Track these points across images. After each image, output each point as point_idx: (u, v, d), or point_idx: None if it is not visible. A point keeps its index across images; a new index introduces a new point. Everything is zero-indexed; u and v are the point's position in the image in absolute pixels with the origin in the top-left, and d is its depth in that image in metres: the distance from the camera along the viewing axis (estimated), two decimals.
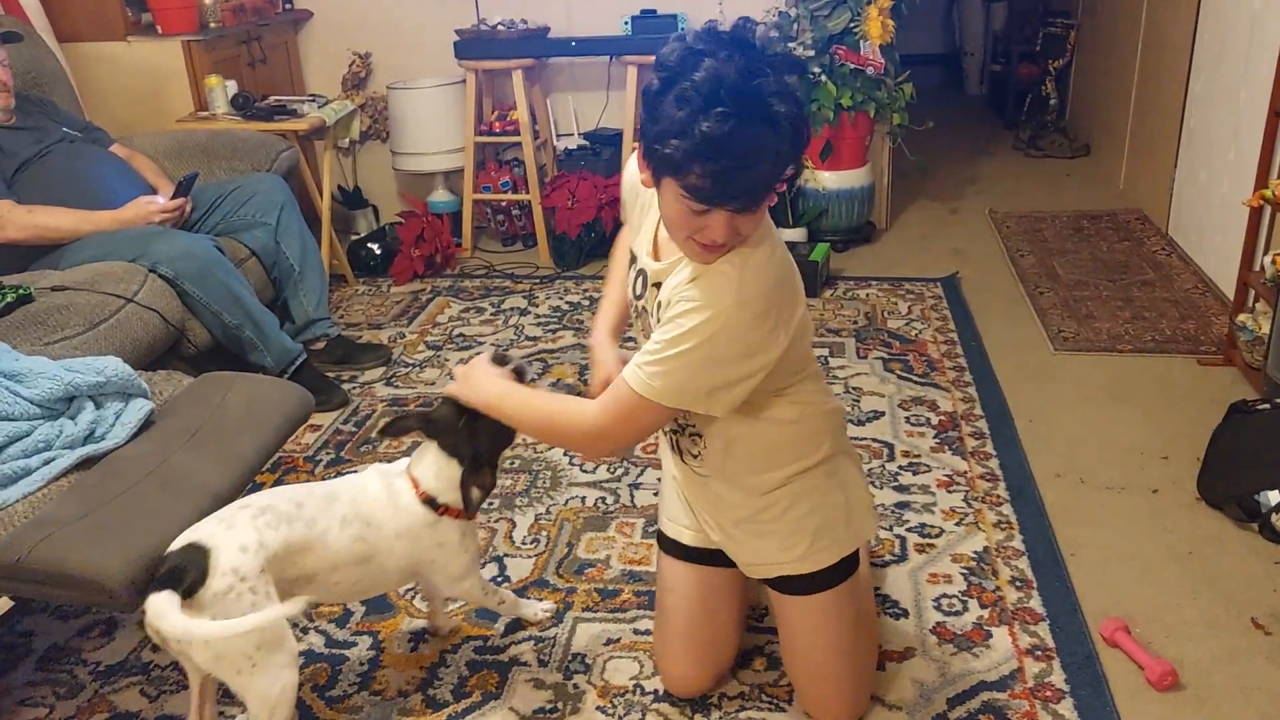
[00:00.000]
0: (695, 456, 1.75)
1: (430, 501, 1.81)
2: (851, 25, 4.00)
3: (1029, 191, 5.07)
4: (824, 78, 4.01)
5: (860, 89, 4.02)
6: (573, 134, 4.45)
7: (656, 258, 1.66)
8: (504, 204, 4.42)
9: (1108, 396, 2.99)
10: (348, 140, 4.55)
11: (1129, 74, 4.84)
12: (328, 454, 2.82)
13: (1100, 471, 2.59)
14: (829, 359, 3.29)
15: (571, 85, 4.47)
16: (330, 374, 3.20)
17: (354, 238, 4.38)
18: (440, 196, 4.49)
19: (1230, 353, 3.09)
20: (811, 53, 4.01)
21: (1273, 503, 2.28)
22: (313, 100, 3.97)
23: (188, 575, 1.53)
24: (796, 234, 4.17)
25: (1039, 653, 1.97)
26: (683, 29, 4.05)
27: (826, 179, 4.20)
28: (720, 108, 1.33)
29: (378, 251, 4.20)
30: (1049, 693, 1.87)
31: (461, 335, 3.58)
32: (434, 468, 1.81)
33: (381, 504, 1.80)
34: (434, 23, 4.34)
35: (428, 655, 2.04)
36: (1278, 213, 2.99)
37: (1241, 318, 3.01)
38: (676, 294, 1.54)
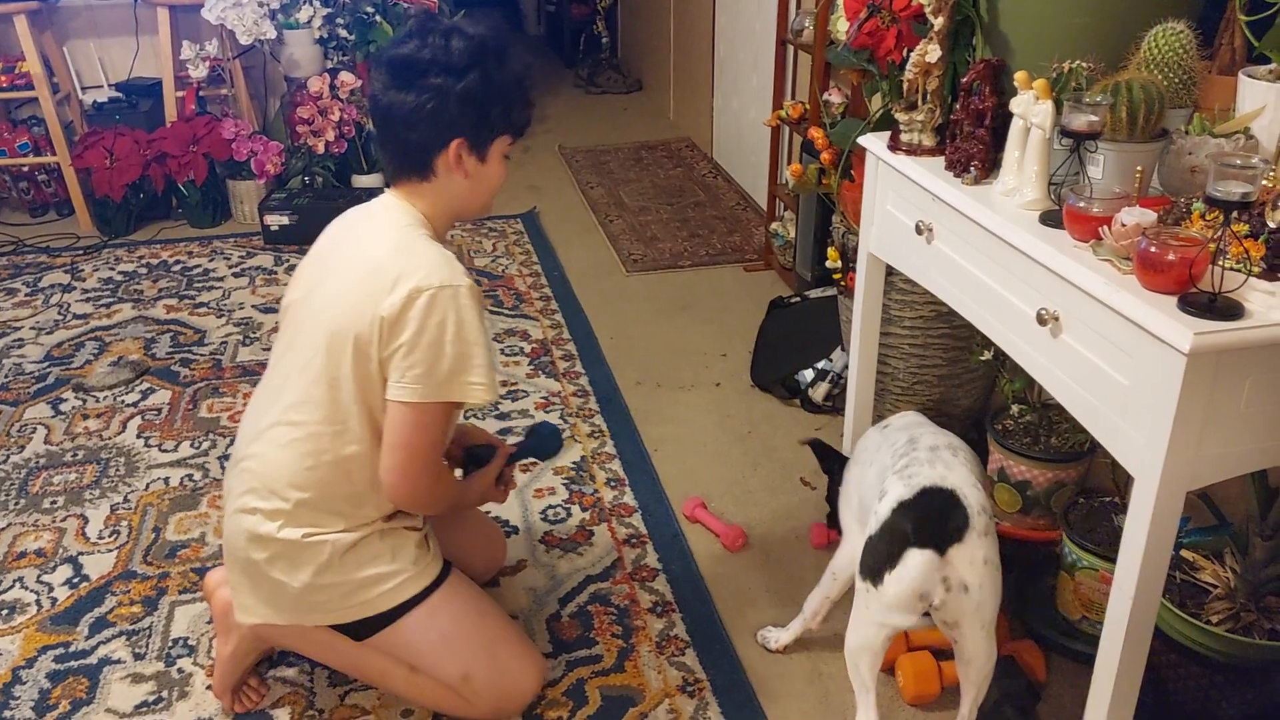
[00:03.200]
0: None
1: None
2: None
3: (592, 126, 5.36)
4: (379, 18, 3.92)
5: None
6: (101, 85, 3.98)
7: None
8: (26, 169, 3.86)
9: (676, 308, 3.29)
10: None
11: (666, 11, 5.25)
12: None
13: (673, 374, 2.86)
14: None
15: (92, 31, 3.98)
16: None
17: None
18: None
19: (769, 257, 3.52)
20: None
21: (809, 379, 2.67)
22: None
23: (951, 520, 1.46)
24: (372, 180, 4.09)
25: (634, 540, 2.16)
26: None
27: None
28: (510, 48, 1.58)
29: None
30: (645, 573, 2.07)
31: None
32: None
33: None
34: None
35: None
36: (793, 130, 3.42)
37: (774, 226, 3.44)
38: None
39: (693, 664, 1.84)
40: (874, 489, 1.62)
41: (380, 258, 1.55)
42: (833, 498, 1.93)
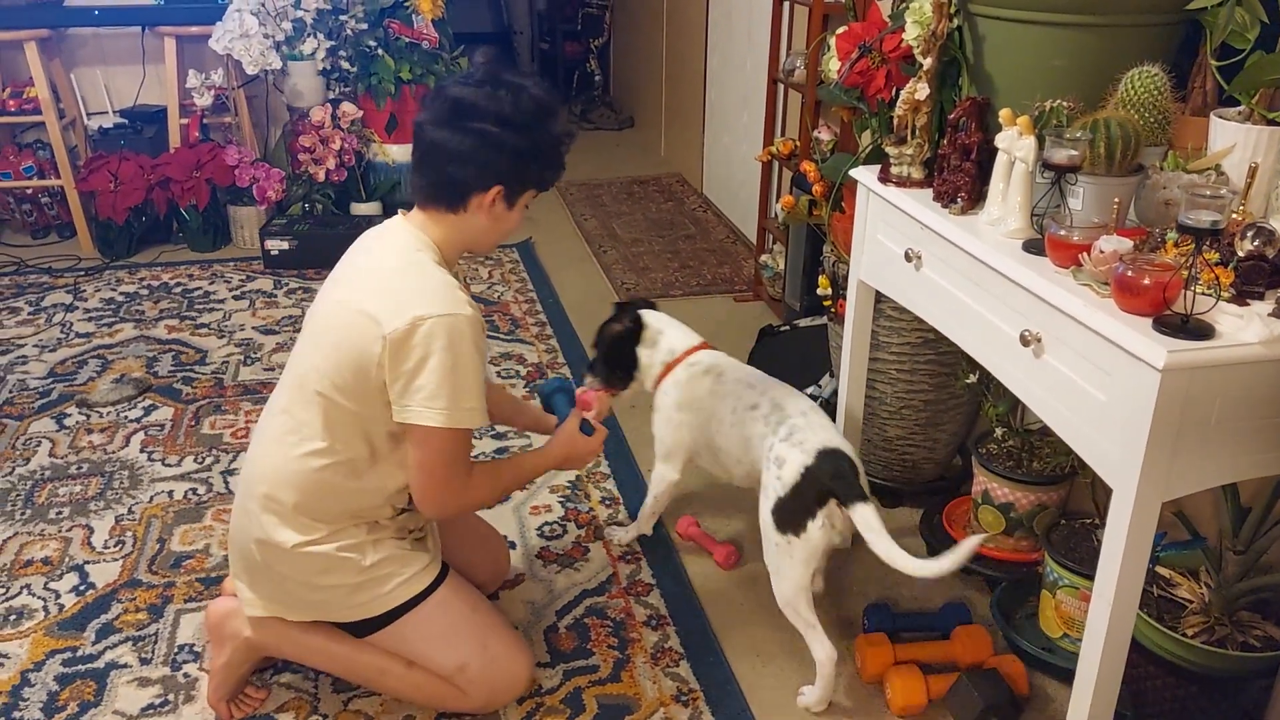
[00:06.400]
0: None
1: None
2: (402, 0, 4.05)
3: (586, 161, 5.46)
4: (380, 51, 4.02)
5: (418, 63, 4.09)
6: (106, 111, 4.05)
7: None
8: (30, 191, 3.92)
9: None
10: None
11: (658, 51, 5.39)
12: None
13: None
14: None
15: (99, 59, 4.06)
16: None
17: None
18: None
19: (758, 288, 3.61)
20: (364, 26, 4.00)
21: None
22: None
23: (852, 474, 1.77)
24: (370, 208, 4.16)
25: (629, 556, 2.22)
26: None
27: (395, 153, 4.22)
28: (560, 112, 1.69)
29: None
30: (639, 588, 2.12)
31: None
32: None
33: None
34: None
35: (5, 679, 1.83)
36: (783, 166, 3.53)
37: (763, 258, 3.53)
38: None
39: (686, 675, 1.89)
40: (739, 441, 1.95)
41: (387, 276, 1.62)
42: (611, 364, 2.26)
